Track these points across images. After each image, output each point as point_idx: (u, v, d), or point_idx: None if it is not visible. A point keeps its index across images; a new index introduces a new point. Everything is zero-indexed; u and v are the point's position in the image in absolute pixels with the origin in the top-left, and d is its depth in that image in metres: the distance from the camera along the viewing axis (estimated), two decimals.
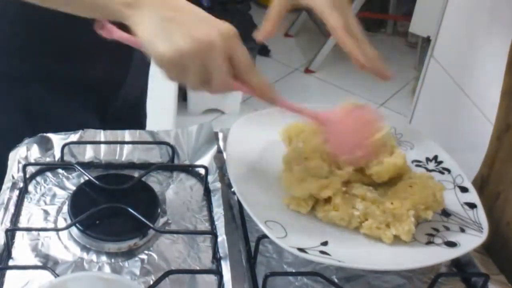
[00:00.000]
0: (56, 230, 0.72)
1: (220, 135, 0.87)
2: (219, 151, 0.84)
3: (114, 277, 0.63)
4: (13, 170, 0.78)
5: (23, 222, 0.73)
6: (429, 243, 0.70)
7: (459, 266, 0.74)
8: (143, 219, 0.71)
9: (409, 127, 0.89)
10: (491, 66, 0.86)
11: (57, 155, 0.82)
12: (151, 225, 0.71)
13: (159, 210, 0.75)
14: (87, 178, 0.78)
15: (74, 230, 0.71)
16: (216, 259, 0.70)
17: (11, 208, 0.74)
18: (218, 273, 0.67)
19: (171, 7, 0.63)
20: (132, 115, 1.07)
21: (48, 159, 0.82)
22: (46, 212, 0.75)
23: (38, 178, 0.80)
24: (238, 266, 0.69)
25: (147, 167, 0.81)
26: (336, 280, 0.69)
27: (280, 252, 0.72)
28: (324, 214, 0.72)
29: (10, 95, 0.90)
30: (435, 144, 0.84)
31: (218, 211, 0.75)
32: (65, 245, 0.71)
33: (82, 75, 0.91)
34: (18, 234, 0.71)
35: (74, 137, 0.84)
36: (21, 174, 0.78)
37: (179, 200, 0.79)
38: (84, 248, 0.71)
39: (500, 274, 0.72)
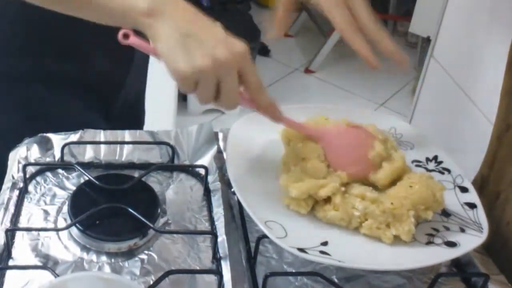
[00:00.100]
0: (56, 230, 0.72)
1: (220, 135, 0.87)
2: (219, 151, 0.84)
3: (114, 277, 0.63)
4: (13, 170, 0.78)
5: (23, 222, 0.73)
6: (429, 243, 0.70)
7: (459, 266, 0.74)
8: (143, 219, 0.71)
9: (409, 127, 0.89)
10: (491, 66, 0.86)
11: (57, 155, 0.82)
12: (151, 225, 0.71)
13: (159, 210, 0.75)
14: (87, 178, 0.78)
15: (74, 230, 0.71)
16: (216, 259, 0.70)
17: (11, 208, 0.74)
18: (218, 273, 0.67)
19: (191, 20, 0.64)
20: (132, 113, 1.08)
21: (48, 159, 0.82)
22: (46, 212, 0.75)
23: (38, 178, 0.80)
24: (238, 266, 0.69)
25: (147, 167, 0.81)
26: (336, 280, 0.69)
27: (280, 252, 0.72)
28: (324, 214, 0.72)
29: (10, 95, 0.90)
30: (435, 144, 0.84)
31: (218, 211, 0.75)
32: (65, 245, 0.71)
33: (82, 74, 0.91)
34: (18, 234, 0.71)
35: (74, 137, 0.84)
36: (21, 174, 0.78)
37: (179, 200, 0.79)
38: (84, 248, 0.71)
39: (500, 274, 0.72)
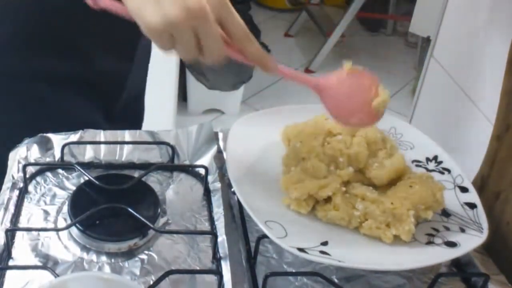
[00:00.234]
0: (56, 230, 0.72)
1: (220, 135, 0.87)
2: (219, 151, 0.84)
3: (114, 277, 0.63)
4: (13, 170, 0.78)
5: (23, 222, 0.73)
6: (429, 243, 0.70)
7: (459, 266, 0.74)
8: (143, 219, 0.71)
9: (409, 127, 0.89)
10: (491, 66, 0.86)
11: (57, 155, 0.82)
12: (151, 225, 0.71)
13: (159, 210, 0.75)
14: (87, 178, 0.78)
15: (74, 230, 0.71)
16: (216, 259, 0.70)
17: (11, 208, 0.74)
18: (218, 273, 0.67)
19: None
20: (133, 112, 1.08)
21: (48, 159, 0.82)
22: (46, 212, 0.75)
23: (38, 178, 0.80)
24: (238, 266, 0.69)
25: (147, 167, 0.81)
26: (336, 280, 0.69)
27: (280, 252, 0.72)
28: (324, 214, 0.72)
29: (11, 94, 0.90)
30: (435, 144, 0.84)
31: (218, 211, 0.75)
32: (65, 245, 0.71)
33: (83, 74, 0.91)
34: (18, 234, 0.71)
35: (74, 137, 0.84)
36: (21, 174, 0.78)
37: (179, 200, 0.79)
38: (84, 248, 0.71)
39: (500, 274, 0.72)
